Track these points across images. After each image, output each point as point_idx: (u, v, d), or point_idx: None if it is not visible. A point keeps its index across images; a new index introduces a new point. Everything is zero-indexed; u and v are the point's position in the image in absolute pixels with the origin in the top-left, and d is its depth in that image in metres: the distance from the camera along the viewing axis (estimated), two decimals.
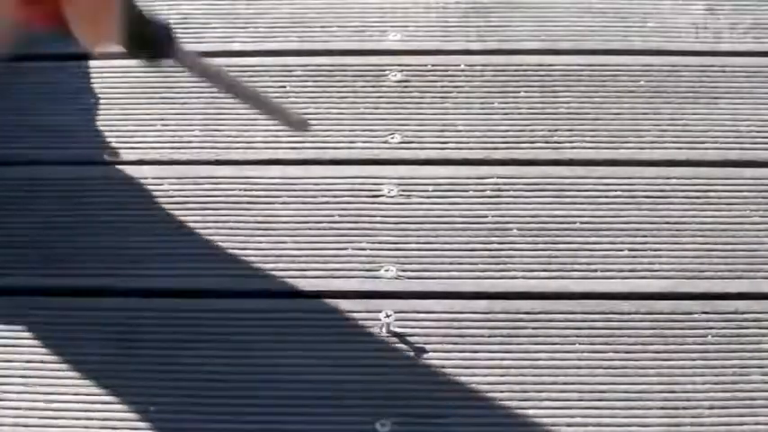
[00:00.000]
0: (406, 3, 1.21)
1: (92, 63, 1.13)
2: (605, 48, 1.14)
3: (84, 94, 1.10)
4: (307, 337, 0.91)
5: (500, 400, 0.87)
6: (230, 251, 0.97)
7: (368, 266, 0.95)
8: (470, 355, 0.90)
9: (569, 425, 0.85)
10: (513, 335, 0.91)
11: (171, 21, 1.16)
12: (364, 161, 1.04)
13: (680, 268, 0.95)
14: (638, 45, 1.14)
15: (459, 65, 1.13)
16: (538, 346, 0.90)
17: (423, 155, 1.04)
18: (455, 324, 0.91)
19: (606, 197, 1.01)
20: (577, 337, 0.91)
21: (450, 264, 0.96)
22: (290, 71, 1.11)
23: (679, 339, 0.90)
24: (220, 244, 0.97)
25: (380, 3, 1.21)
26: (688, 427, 0.85)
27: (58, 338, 0.91)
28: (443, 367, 0.89)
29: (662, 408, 0.86)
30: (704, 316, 0.92)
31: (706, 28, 1.16)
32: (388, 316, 0.90)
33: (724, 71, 1.11)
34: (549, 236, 0.98)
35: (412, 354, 0.90)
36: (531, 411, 0.86)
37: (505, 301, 0.93)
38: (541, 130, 1.06)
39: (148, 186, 1.02)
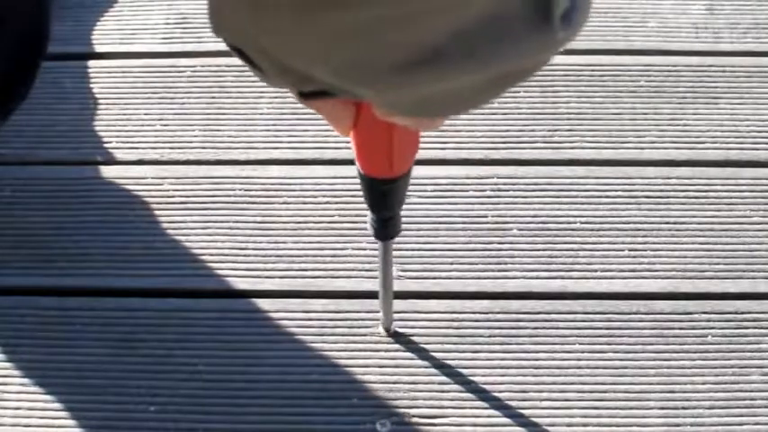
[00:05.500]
0: None
1: (91, 63, 1.13)
2: (605, 48, 1.14)
3: (84, 94, 1.10)
4: (307, 337, 0.91)
5: (500, 400, 0.87)
6: (230, 251, 0.97)
7: (368, 266, 0.95)
8: (470, 355, 0.90)
9: (569, 425, 0.85)
10: (513, 335, 0.91)
11: (170, 21, 1.17)
12: None
13: (680, 268, 0.95)
14: (638, 45, 1.14)
15: None
16: (538, 346, 0.90)
17: (423, 155, 1.03)
18: (455, 324, 0.91)
19: (606, 197, 1.01)
20: (577, 337, 0.91)
21: (451, 264, 0.96)
22: None
23: (679, 339, 0.90)
24: (220, 244, 0.97)
25: None
26: (688, 427, 0.85)
27: (57, 338, 0.91)
28: (443, 367, 0.89)
29: (662, 408, 0.86)
30: (704, 316, 0.92)
31: (706, 28, 1.16)
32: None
33: (724, 71, 1.11)
34: (549, 236, 0.98)
35: (412, 354, 0.90)
36: (531, 411, 0.86)
37: (505, 301, 0.93)
38: (541, 130, 1.06)
39: (148, 186, 1.02)
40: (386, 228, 0.79)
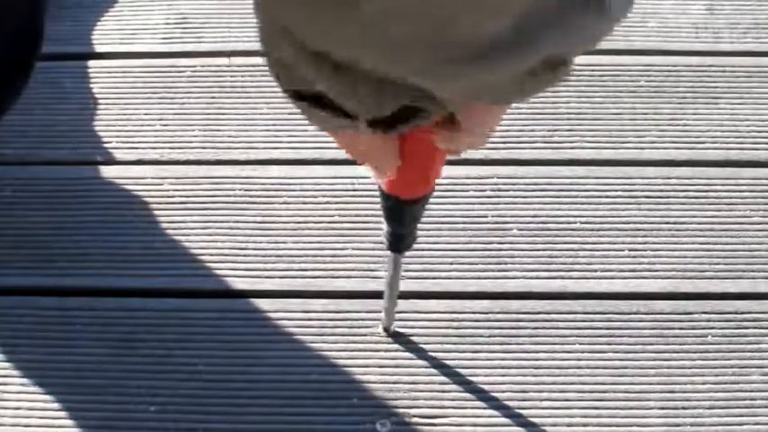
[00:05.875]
0: None
1: (91, 63, 1.13)
2: (605, 48, 1.14)
3: (84, 94, 1.10)
4: (307, 337, 0.91)
5: (500, 400, 0.87)
6: (230, 251, 0.97)
7: (368, 266, 0.95)
8: (470, 355, 0.90)
9: (569, 425, 0.85)
10: (513, 335, 0.91)
11: (170, 21, 1.17)
12: None
13: (680, 268, 0.95)
14: (638, 45, 1.14)
15: None
16: (538, 346, 0.90)
17: None
18: (455, 324, 0.91)
19: (606, 197, 1.01)
20: (577, 337, 0.91)
21: (451, 264, 0.96)
22: None
23: (679, 339, 0.90)
24: (220, 244, 0.97)
25: None
26: (688, 427, 0.85)
27: (57, 338, 0.91)
28: (443, 367, 0.89)
29: (662, 408, 0.86)
30: (704, 316, 0.92)
31: (706, 28, 1.16)
32: None
33: (724, 71, 1.11)
34: (549, 236, 0.98)
35: (412, 354, 0.90)
36: (531, 411, 0.86)
37: (505, 301, 0.93)
38: (541, 130, 1.06)
39: (148, 186, 1.02)
40: (402, 242, 0.78)
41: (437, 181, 1.01)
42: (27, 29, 0.95)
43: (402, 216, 0.75)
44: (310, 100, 0.49)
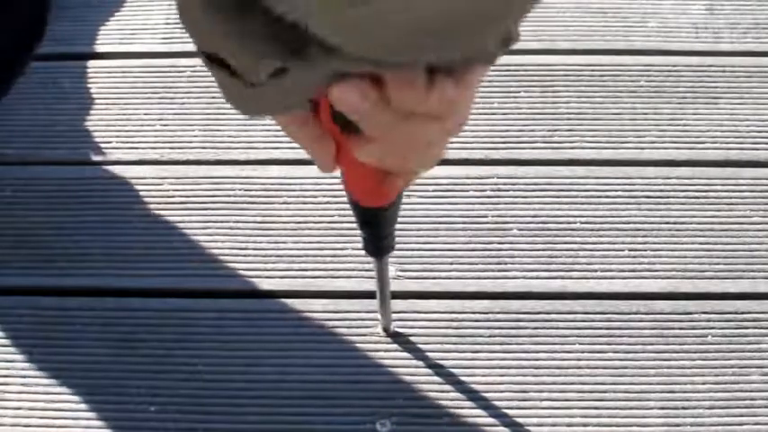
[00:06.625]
0: None
1: (91, 63, 1.13)
2: (605, 48, 1.14)
3: (83, 94, 1.10)
4: (307, 337, 0.91)
5: (500, 400, 0.87)
6: (230, 251, 0.97)
7: (368, 266, 0.95)
8: (470, 355, 0.90)
9: (569, 425, 0.85)
10: (513, 335, 0.91)
11: (171, 21, 1.17)
12: None
13: (680, 268, 0.95)
14: (638, 45, 1.14)
15: None
16: (538, 346, 0.90)
17: None
18: (455, 324, 0.91)
19: (606, 197, 1.01)
20: (577, 337, 0.91)
21: (450, 264, 0.96)
22: None
23: (679, 339, 0.90)
24: (220, 244, 0.97)
25: None
26: (688, 428, 0.85)
27: (57, 338, 0.91)
28: (443, 367, 0.89)
29: (662, 408, 0.86)
30: (704, 316, 0.92)
31: (706, 28, 1.16)
32: None
33: (724, 71, 1.11)
34: (549, 236, 0.98)
35: (412, 354, 0.90)
36: (531, 411, 0.86)
37: (505, 301, 0.93)
38: (541, 130, 1.06)
39: (148, 186, 1.02)
40: (378, 247, 0.77)
41: (437, 181, 1.02)
42: (24, 25, 0.95)
43: (373, 222, 0.73)
44: (216, 62, 0.48)
